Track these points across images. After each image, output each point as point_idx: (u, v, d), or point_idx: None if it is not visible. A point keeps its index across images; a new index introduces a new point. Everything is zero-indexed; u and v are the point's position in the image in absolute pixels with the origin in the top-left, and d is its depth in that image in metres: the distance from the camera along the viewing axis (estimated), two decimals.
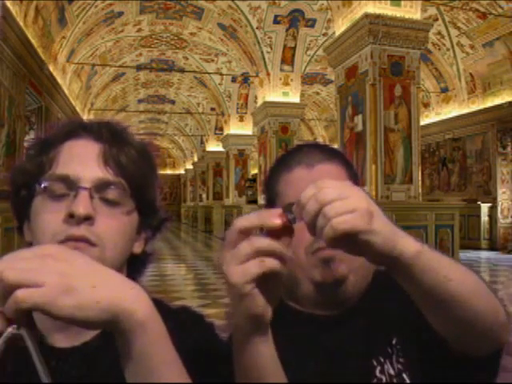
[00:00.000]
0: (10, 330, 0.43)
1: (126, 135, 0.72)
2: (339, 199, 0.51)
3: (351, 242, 0.51)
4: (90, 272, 0.46)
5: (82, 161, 0.66)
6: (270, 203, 0.83)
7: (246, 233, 0.53)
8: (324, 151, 0.82)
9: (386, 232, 0.53)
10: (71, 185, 0.64)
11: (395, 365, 0.75)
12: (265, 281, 0.53)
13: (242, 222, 0.54)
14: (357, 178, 0.84)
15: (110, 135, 0.69)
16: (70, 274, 0.44)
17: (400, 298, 0.78)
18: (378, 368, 0.75)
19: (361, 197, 0.53)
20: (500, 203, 11.21)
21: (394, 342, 0.76)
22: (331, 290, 0.77)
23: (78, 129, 0.70)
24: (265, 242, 0.53)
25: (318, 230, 0.52)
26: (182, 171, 30.56)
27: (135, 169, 0.69)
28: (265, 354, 0.59)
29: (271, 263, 0.52)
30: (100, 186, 0.65)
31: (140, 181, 0.69)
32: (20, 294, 0.42)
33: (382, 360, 0.75)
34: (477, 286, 0.60)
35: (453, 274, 0.57)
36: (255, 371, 0.59)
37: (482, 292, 0.60)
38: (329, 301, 0.79)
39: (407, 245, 0.54)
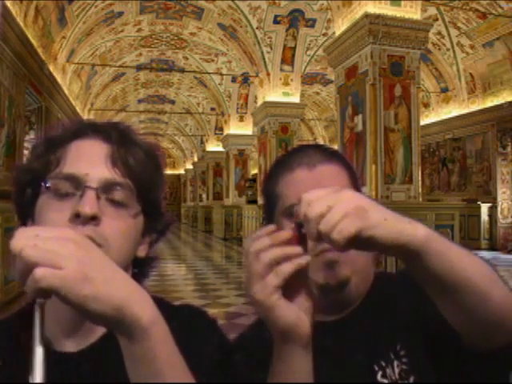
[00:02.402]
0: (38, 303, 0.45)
1: (134, 136, 0.71)
2: (328, 210, 0.52)
3: (357, 241, 0.52)
4: (105, 267, 0.47)
5: (90, 161, 0.65)
6: (270, 205, 0.82)
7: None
8: (324, 152, 0.81)
9: (387, 222, 0.53)
10: (78, 184, 0.63)
11: (396, 370, 0.74)
12: (290, 288, 0.55)
13: (254, 246, 0.56)
14: (356, 179, 0.83)
15: (118, 136, 0.68)
16: (88, 263, 0.45)
17: (404, 299, 0.77)
18: (380, 373, 0.74)
19: (348, 197, 0.53)
20: (500, 203, 11.20)
21: (397, 347, 0.75)
22: (335, 293, 0.76)
23: (86, 129, 0.69)
24: (273, 252, 0.54)
25: (326, 244, 0.54)
26: (182, 171, 30.53)
27: (142, 170, 0.68)
28: (299, 369, 0.60)
29: (286, 268, 0.54)
30: (107, 187, 0.64)
31: (147, 183, 0.69)
32: (39, 272, 0.42)
33: (384, 365, 0.74)
34: (489, 273, 0.59)
35: (463, 259, 0.57)
36: None
37: (494, 280, 0.59)
38: (332, 304, 0.78)
39: (415, 231, 0.54)
